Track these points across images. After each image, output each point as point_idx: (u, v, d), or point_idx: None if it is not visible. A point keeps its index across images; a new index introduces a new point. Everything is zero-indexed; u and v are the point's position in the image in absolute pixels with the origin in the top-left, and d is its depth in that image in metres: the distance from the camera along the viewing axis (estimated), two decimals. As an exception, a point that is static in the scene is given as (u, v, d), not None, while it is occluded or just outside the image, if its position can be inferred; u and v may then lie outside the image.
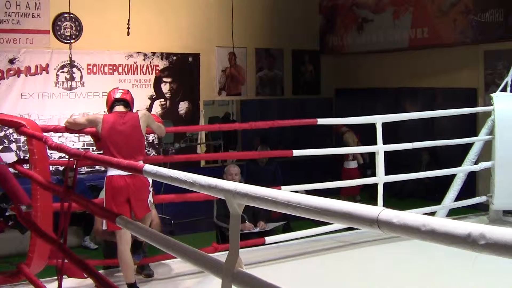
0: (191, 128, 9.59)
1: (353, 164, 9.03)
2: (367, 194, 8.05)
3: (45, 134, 4.30)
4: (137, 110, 4.70)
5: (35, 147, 4.12)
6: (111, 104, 4.52)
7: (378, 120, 5.72)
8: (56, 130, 4.87)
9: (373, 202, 5.58)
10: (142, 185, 4.33)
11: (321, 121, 5.60)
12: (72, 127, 4.59)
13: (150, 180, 4.32)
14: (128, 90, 4.68)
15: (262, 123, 5.48)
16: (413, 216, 1.40)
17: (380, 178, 5.62)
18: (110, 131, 4.34)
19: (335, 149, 8.59)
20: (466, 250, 1.26)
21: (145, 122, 4.50)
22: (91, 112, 9.05)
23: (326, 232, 5.38)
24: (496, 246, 1.19)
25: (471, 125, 8.80)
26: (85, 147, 8.89)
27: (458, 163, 6.48)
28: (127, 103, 4.52)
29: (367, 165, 8.99)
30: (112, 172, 4.25)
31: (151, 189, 4.47)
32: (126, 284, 4.25)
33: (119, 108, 4.48)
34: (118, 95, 4.53)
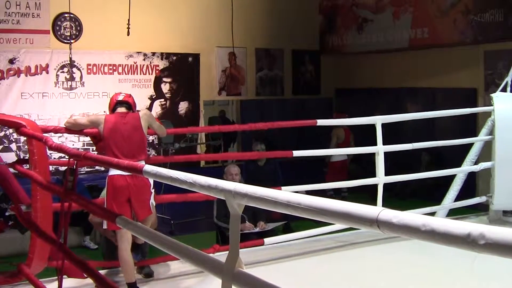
0: (191, 130, 9.57)
1: (336, 157, 9.15)
2: (367, 195, 8.04)
3: (45, 134, 4.30)
4: (138, 110, 4.71)
5: (35, 148, 4.12)
6: (114, 106, 4.55)
7: (378, 120, 5.72)
8: (56, 130, 4.88)
9: (373, 202, 5.59)
10: (143, 185, 4.34)
11: (320, 122, 5.60)
12: (73, 128, 4.60)
13: (151, 180, 4.33)
14: (130, 94, 4.72)
15: (262, 124, 5.48)
16: (413, 216, 1.40)
17: (380, 178, 5.62)
18: (112, 131, 4.36)
19: (335, 149, 8.63)
20: (465, 250, 1.26)
21: (146, 121, 4.52)
22: (91, 112, 9.05)
23: (326, 233, 5.38)
24: (496, 246, 1.19)
25: (471, 125, 8.80)
26: (85, 147, 8.89)
27: (458, 163, 6.48)
28: (130, 105, 4.56)
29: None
30: (113, 172, 4.27)
31: (152, 190, 4.49)
32: (126, 283, 4.25)
33: (121, 110, 4.51)
34: (120, 98, 4.59)
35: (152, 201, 4.48)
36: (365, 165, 8.95)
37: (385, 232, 1.48)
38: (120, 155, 4.24)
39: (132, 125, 4.43)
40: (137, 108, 4.81)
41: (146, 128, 4.50)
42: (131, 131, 4.41)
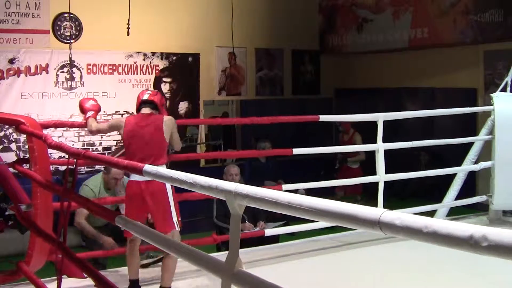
0: (192, 121, 9.50)
1: (355, 164, 9.07)
2: (367, 194, 8.05)
3: (45, 131, 4.31)
4: (164, 115, 4.44)
5: (35, 144, 4.11)
6: (139, 106, 4.40)
7: (380, 118, 5.72)
8: (56, 125, 4.87)
9: (374, 202, 5.59)
10: (159, 191, 4.11)
11: (323, 117, 5.62)
12: (96, 134, 4.60)
13: (168, 185, 4.10)
14: (157, 92, 4.49)
15: (263, 119, 5.49)
16: (415, 218, 1.40)
17: (380, 177, 5.62)
18: (130, 134, 4.22)
19: (335, 147, 8.60)
20: (468, 252, 1.26)
21: (169, 127, 4.28)
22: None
23: (325, 228, 5.40)
24: (498, 248, 1.19)
25: (471, 125, 8.80)
26: (85, 147, 8.89)
27: (458, 164, 6.49)
28: (155, 105, 4.37)
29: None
30: (131, 177, 4.18)
31: (171, 200, 4.19)
32: (130, 280, 4.29)
33: (145, 110, 4.33)
34: (145, 97, 4.40)
35: (173, 213, 4.18)
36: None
37: (387, 234, 1.48)
38: (140, 159, 4.02)
39: (153, 128, 4.21)
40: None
41: (168, 134, 4.27)
42: (150, 134, 4.19)
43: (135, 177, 4.07)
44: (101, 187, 6.01)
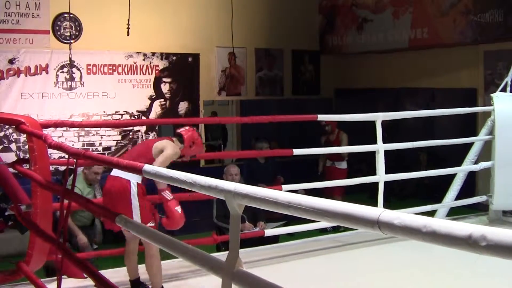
0: (190, 120, 9.50)
1: (344, 165, 9.03)
2: (367, 194, 8.05)
3: (45, 131, 4.32)
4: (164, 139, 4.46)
5: (35, 144, 4.10)
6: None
7: (379, 117, 5.72)
8: (56, 125, 4.89)
9: (373, 202, 5.58)
10: (113, 189, 4.10)
11: (321, 117, 5.62)
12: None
13: (134, 187, 4.05)
14: (192, 130, 4.55)
15: (262, 118, 5.51)
16: (414, 218, 1.40)
17: (381, 177, 5.62)
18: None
19: (335, 148, 8.61)
20: (467, 251, 1.26)
21: (161, 145, 4.28)
22: (90, 112, 9.08)
23: (324, 229, 5.39)
24: (497, 247, 1.19)
25: (471, 125, 8.80)
26: (85, 147, 8.89)
27: (457, 164, 6.49)
28: (181, 139, 4.43)
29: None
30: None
31: (134, 204, 4.08)
32: (130, 281, 4.33)
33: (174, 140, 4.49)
34: (179, 129, 4.54)
35: (135, 217, 4.00)
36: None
37: (386, 234, 1.48)
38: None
39: (147, 143, 4.53)
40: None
41: (156, 149, 4.26)
42: (143, 148, 4.44)
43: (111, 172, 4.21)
44: (84, 183, 6.18)
